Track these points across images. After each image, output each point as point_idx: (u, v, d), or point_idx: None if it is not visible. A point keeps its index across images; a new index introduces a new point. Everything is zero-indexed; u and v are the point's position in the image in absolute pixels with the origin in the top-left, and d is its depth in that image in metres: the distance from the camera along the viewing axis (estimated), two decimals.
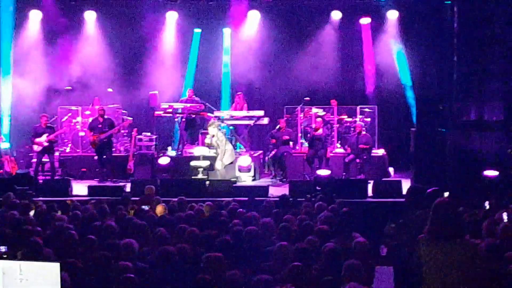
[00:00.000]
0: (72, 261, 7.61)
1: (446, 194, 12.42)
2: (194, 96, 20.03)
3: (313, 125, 19.07)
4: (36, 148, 17.85)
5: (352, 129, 19.61)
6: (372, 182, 16.04)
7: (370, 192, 15.64)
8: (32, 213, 11.94)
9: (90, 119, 19.03)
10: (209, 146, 17.83)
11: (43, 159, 18.09)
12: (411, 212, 8.03)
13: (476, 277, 5.91)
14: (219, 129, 17.69)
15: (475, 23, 16.83)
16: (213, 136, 17.35)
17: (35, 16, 21.30)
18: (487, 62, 16.91)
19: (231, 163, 17.60)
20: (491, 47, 16.88)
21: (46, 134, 17.74)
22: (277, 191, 16.14)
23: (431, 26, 20.60)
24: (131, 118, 20.14)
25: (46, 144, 17.67)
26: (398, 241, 8.25)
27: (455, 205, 6.01)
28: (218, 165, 17.42)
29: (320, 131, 18.34)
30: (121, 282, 6.68)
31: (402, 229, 8.20)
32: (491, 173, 15.77)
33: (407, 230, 7.89)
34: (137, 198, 13.65)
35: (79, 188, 16.46)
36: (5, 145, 19.17)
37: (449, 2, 18.33)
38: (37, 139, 17.72)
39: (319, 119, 18.90)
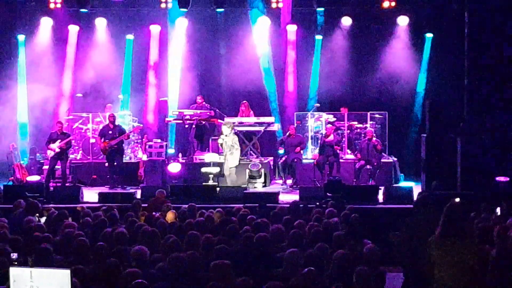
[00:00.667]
0: (82, 268, 7.60)
1: (457, 200, 12.39)
2: (204, 102, 20.05)
3: (324, 131, 19.08)
4: (49, 153, 17.90)
5: (363, 135, 19.58)
6: (383, 188, 16.02)
7: (381, 198, 15.61)
8: (43, 220, 11.98)
9: (101, 126, 19.08)
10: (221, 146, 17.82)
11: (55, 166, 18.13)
12: (417, 215, 8.00)
13: (484, 276, 6.60)
14: (233, 131, 17.60)
15: (486, 29, 16.76)
16: (226, 136, 17.30)
17: (46, 23, 21.37)
18: (498, 68, 16.84)
19: (236, 167, 17.56)
20: (503, 52, 16.81)
21: (59, 141, 17.78)
22: (288, 197, 16.14)
23: (441, 31, 20.56)
24: (141, 125, 20.20)
25: (57, 150, 17.70)
26: (403, 244, 8.27)
27: (466, 207, 6.60)
28: (225, 168, 17.37)
29: (330, 137, 18.32)
30: None
31: (407, 232, 8.20)
32: (502, 179, 15.70)
33: (412, 232, 7.88)
34: (147, 205, 13.65)
35: (90, 195, 16.50)
36: (17, 152, 19.21)
37: (460, 7, 18.26)
38: (51, 145, 17.78)
39: (329, 125, 18.90)
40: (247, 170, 17.89)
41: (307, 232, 10.06)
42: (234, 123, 18.48)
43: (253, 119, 19.27)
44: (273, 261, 8.39)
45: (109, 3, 21.72)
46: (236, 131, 18.23)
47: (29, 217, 11.37)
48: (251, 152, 19.39)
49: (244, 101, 20.21)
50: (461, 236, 6.45)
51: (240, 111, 19.99)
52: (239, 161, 17.76)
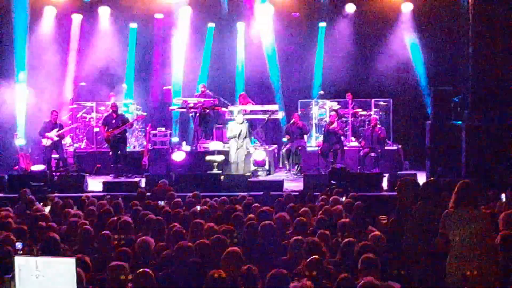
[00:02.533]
0: (88, 256, 7.60)
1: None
2: (207, 90, 20.03)
3: (327, 119, 19.05)
4: (45, 142, 17.91)
5: (367, 122, 19.55)
6: (387, 175, 16.00)
7: (385, 185, 15.60)
8: (48, 209, 12.00)
9: (105, 115, 19.08)
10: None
11: (52, 156, 18.17)
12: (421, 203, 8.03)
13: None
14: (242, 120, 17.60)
15: (490, 15, 16.68)
16: (241, 123, 17.32)
17: (49, 12, 21.32)
18: (503, 54, 16.76)
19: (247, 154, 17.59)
20: (507, 39, 16.74)
21: (56, 129, 17.81)
22: (292, 185, 16.14)
23: (446, 18, 20.48)
24: (145, 113, 20.18)
25: (56, 138, 17.73)
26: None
27: (473, 184, 7.49)
28: (234, 157, 17.35)
29: (334, 125, 18.30)
30: (137, 277, 6.66)
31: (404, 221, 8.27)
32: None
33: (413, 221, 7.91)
34: (150, 194, 13.65)
35: (94, 184, 16.52)
36: (20, 141, 19.21)
37: None
38: (48, 134, 17.80)
39: (333, 113, 18.87)
40: (252, 160, 17.85)
41: (312, 220, 10.07)
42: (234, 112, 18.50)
43: (257, 107, 19.23)
44: (277, 249, 8.39)
45: None
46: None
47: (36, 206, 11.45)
48: (256, 139, 19.40)
49: (242, 92, 20.20)
50: (473, 205, 7.25)
51: (239, 103, 19.94)
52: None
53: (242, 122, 17.47)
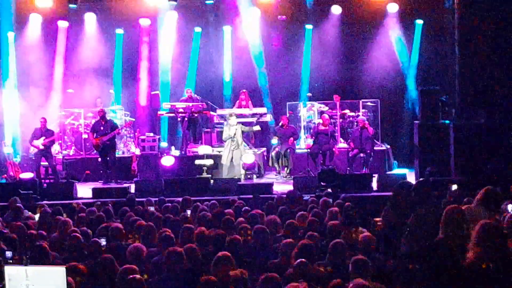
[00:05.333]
0: (78, 264, 7.57)
1: (455, 186, 12.40)
2: (194, 95, 19.98)
3: (316, 121, 19.06)
4: (32, 150, 17.85)
5: (355, 123, 19.57)
6: (376, 176, 16.03)
7: (375, 186, 15.63)
8: (37, 217, 11.96)
9: (93, 121, 19.02)
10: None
11: (42, 163, 18.09)
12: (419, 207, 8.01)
13: None
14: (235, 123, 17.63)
15: (476, 14, 16.76)
16: (234, 125, 17.36)
17: (35, 19, 21.25)
18: (489, 53, 16.83)
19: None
20: (494, 38, 16.80)
21: (44, 137, 17.70)
22: (282, 187, 16.14)
23: (432, 18, 20.53)
24: (133, 119, 20.14)
25: (41, 147, 17.63)
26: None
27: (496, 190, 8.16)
28: (226, 160, 17.37)
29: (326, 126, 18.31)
30: (128, 284, 6.64)
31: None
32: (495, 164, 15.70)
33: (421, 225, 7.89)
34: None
35: (84, 191, 16.48)
36: (9, 150, 19.15)
37: None
38: (34, 142, 17.70)
39: (326, 116, 18.74)
40: (241, 164, 17.83)
41: (303, 222, 10.06)
42: (222, 115, 18.50)
43: (245, 110, 19.20)
44: (268, 252, 8.38)
45: None
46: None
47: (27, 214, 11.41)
48: (245, 143, 19.39)
49: (244, 90, 20.06)
50: (492, 204, 7.95)
51: (239, 100, 19.83)
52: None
53: (236, 124, 17.49)
